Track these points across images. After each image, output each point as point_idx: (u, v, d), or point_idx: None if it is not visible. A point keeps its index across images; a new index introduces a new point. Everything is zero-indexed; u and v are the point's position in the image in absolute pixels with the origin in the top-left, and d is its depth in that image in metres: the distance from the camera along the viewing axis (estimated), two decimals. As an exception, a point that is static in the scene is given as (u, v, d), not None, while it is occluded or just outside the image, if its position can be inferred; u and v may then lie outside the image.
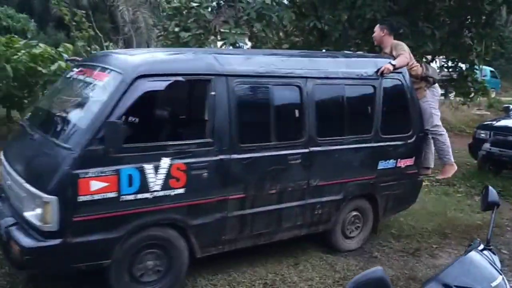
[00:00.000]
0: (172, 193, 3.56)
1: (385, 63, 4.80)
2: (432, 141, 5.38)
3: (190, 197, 3.65)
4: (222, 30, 10.60)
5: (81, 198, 3.20)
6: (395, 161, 4.93)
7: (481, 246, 2.19)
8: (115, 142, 3.23)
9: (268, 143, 4.07)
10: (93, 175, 3.22)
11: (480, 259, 2.07)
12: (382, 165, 4.84)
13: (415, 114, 5.09)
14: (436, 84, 5.33)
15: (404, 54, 5.03)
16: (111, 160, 3.28)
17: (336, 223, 4.71)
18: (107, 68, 3.65)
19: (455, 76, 10.01)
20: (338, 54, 5.35)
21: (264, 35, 10.51)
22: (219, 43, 10.42)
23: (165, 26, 10.73)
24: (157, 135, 3.86)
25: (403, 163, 5.01)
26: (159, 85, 3.52)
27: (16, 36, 8.65)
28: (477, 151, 8.58)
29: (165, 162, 3.50)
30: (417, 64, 5.20)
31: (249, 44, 11.71)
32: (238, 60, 4.05)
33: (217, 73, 3.78)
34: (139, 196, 3.42)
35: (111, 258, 3.40)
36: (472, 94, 9.98)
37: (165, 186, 3.51)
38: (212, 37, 10.16)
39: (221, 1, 10.84)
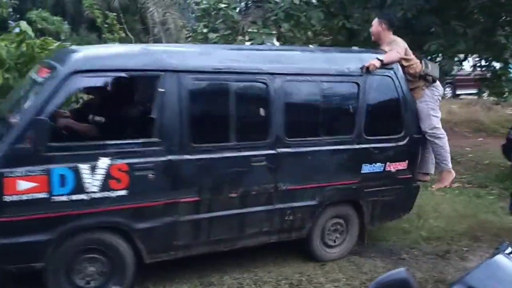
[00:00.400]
0: (113, 195, 3.36)
1: (372, 59, 4.40)
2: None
3: (133, 200, 3.44)
4: (250, 30, 10.64)
5: (7, 198, 3.07)
6: (383, 164, 4.51)
7: (509, 249, 2.13)
8: (43, 140, 3.08)
9: (226, 144, 3.80)
10: (20, 175, 3.08)
11: (507, 262, 2.03)
12: (367, 169, 4.43)
13: (409, 115, 4.63)
14: (437, 83, 4.82)
15: (397, 49, 4.60)
16: (41, 159, 3.12)
17: (313, 231, 4.35)
18: (51, 64, 3.52)
19: (488, 75, 9.42)
20: (318, 49, 4.99)
21: (292, 35, 10.39)
22: (247, 44, 10.35)
23: (194, 27, 10.80)
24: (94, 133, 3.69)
25: (393, 167, 4.58)
26: (97, 81, 3.35)
27: (50, 38, 8.75)
28: (510, 152, 8.01)
29: (103, 162, 3.31)
30: (417, 61, 4.73)
31: (277, 44, 11.67)
32: (194, 55, 3.81)
33: (167, 69, 3.55)
34: (74, 197, 3.24)
35: (43, 261, 3.25)
36: (506, 94, 9.28)
37: (104, 187, 3.33)
38: (240, 38, 10.16)
39: (249, 2, 10.80)
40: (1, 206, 3.07)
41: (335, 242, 4.54)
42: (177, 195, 3.61)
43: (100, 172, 3.31)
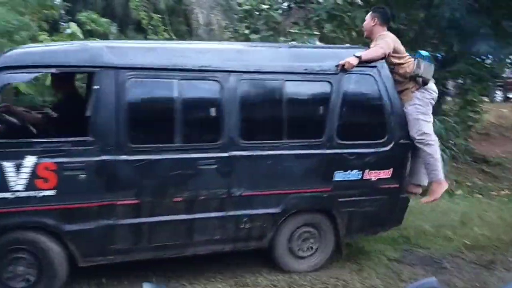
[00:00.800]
0: (39, 195, 3.25)
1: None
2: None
3: (62, 200, 3.31)
4: (291, 31, 10.49)
5: None
6: (360, 172, 4.07)
7: None
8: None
9: (170, 145, 3.57)
10: None
11: None
12: (340, 176, 4.02)
13: (394, 118, 4.15)
14: (431, 85, 4.27)
15: (381, 45, 4.13)
16: (-39, 156, 3.08)
17: (277, 240, 4.02)
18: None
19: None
20: (287, 45, 4.63)
21: (334, 36, 10.07)
22: (289, 44, 10.20)
23: (236, 28, 10.83)
24: (20, 131, 3.58)
25: (374, 175, 4.12)
26: (27, 77, 3.24)
27: (98, 39, 8.91)
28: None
29: (29, 160, 3.21)
30: (410, 60, 4.23)
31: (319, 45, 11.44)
32: (137, 52, 3.60)
33: (103, 65, 3.39)
34: (-3, 195, 3.18)
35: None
36: None
37: (30, 186, 3.22)
38: (282, 39, 10.04)
39: (291, 3, 10.62)
40: None
41: (305, 252, 4.17)
42: (113, 197, 3.44)
43: (26, 170, 3.21)
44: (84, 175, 3.35)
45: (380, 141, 4.12)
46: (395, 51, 4.19)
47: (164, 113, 3.60)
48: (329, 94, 3.96)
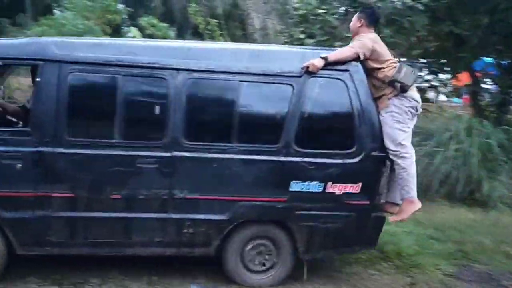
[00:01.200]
0: (-22, 181, 3.40)
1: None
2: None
3: (0, 188, 3.43)
4: (348, 35, 10.29)
5: None
6: (321, 184, 3.75)
7: None
8: None
9: (109, 141, 3.54)
10: None
11: None
12: (297, 186, 3.73)
13: (366, 128, 3.78)
14: (412, 93, 3.84)
15: (353, 45, 3.81)
16: None
17: (226, 250, 3.81)
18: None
19: None
20: (247, 45, 4.41)
21: (393, 41, 9.74)
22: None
23: (291, 33, 10.86)
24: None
25: (338, 189, 3.77)
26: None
27: None
28: None
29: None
30: (394, 65, 3.83)
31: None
32: (83, 46, 3.63)
33: (47, 59, 3.46)
34: None
35: None
36: None
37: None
38: (338, 43, 9.86)
39: (349, 7, 10.40)
40: None
41: (261, 266, 3.91)
42: (48, 189, 3.48)
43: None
44: (21, 165, 3.43)
45: (347, 151, 3.77)
46: (375, 53, 3.82)
47: (105, 108, 3.60)
48: (289, 98, 3.70)
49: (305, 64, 3.69)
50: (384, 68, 3.83)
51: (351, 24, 4.15)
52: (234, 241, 3.81)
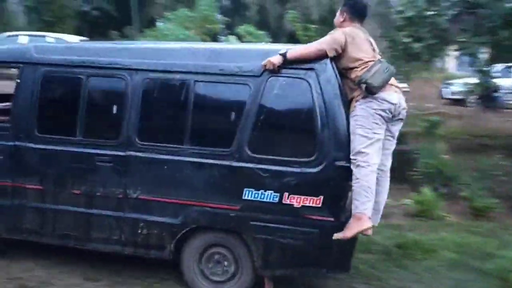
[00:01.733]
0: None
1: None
2: (379, 187, 3.45)
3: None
4: (459, 39, 9.57)
5: None
6: (277, 194, 3.42)
7: None
8: None
9: (71, 138, 3.75)
10: None
11: None
12: (251, 194, 3.46)
13: (329, 134, 3.35)
14: (385, 94, 3.31)
15: (320, 41, 3.43)
16: None
17: (183, 256, 3.70)
18: None
19: None
20: (209, 44, 4.17)
21: (510, 44, 8.76)
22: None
23: (394, 37, 10.39)
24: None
25: (296, 201, 3.40)
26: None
27: None
28: None
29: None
30: (369, 64, 3.34)
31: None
32: (56, 49, 3.92)
33: (26, 62, 3.84)
34: None
35: None
36: None
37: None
38: (448, 47, 9.18)
39: (461, 8, 9.56)
40: None
41: (219, 276, 3.71)
42: (23, 181, 3.83)
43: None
44: (2, 157, 3.83)
45: (306, 160, 3.38)
46: (349, 50, 3.38)
47: (69, 107, 3.83)
48: (245, 98, 3.48)
49: (264, 62, 3.42)
50: (357, 67, 3.37)
51: (335, 19, 3.74)
52: (190, 248, 3.68)
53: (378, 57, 3.47)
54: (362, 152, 3.22)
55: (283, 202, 3.41)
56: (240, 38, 9.46)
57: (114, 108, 3.70)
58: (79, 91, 3.74)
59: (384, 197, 3.54)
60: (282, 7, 16.10)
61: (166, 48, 4.02)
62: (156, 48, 4.02)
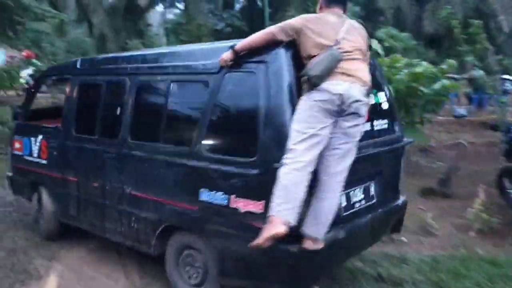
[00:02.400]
0: (41, 162, 4.82)
1: None
2: (321, 192, 2.96)
3: (50, 169, 4.72)
4: None
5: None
6: (226, 196, 3.20)
7: None
8: None
9: (92, 137, 4.28)
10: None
11: None
12: (205, 196, 3.32)
13: (271, 132, 3.00)
14: (328, 84, 2.82)
15: (271, 27, 3.11)
16: None
17: (165, 254, 3.74)
18: None
19: None
20: (191, 45, 4.05)
21: None
22: None
23: None
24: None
25: (241, 205, 3.11)
26: None
27: (399, 55, 8.31)
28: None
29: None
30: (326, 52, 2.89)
31: None
32: (92, 61, 4.54)
33: (72, 73, 4.64)
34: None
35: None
36: None
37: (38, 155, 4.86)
38: None
39: None
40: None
41: (193, 280, 3.62)
42: (67, 173, 4.52)
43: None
44: (56, 154, 4.62)
45: (249, 160, 3.07)
46: (306, 38, 2.98)
47: (91, 109, 4.34)
48: (204, 96, 3.39)
49: (220, 58, 3.28)
50: (314, 57, 2.92)
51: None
52: (170, 248, 3.71)
53: (350, 44, 2.95)
54: (291, 149, 2.78)
55: (231, 205, 3.15)
56: (381, 42, 8.65)
57: (118, 110, 4.04)
58: (96, 96, 4.26)
59: (327, 206, 2.94)
60: (421, 8, 14.14)
61: (155, 53, 4.23)
62: (148, 53, 4.27)
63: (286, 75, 2.99)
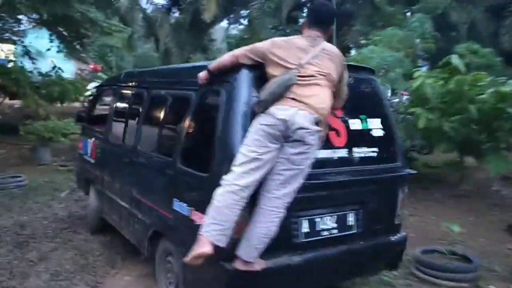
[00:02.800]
0: (91, 161, 5.41)
1: None
2: (257, 215, 2.90)
3: (95, 167, 5.30)
4: None
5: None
6: (189, 208, 3.30)
7: None
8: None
9: (120, 142, 4.68)
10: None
11: None
12: (177, 205, 3.43)
13: (223, 149, 3.04)
14: (275, 109, 2.81)
15: (234, 52, 3.20)
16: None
17: (156, 259, 3.89)
18: None
19: None
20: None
21: None
22: None
23: None
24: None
25: (197, 217, 3.15)
26: None
27: (483, 73, 7.45)
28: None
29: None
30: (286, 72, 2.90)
31: None
32: (133, 74, 4.99)
33: (116, 84, 5.14)
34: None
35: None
36: None
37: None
38: None
39: None
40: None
41: (170, 286, 3.74)
42: (103, 173, 5.02)
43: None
44: (100, 155, 5.19)
45: (205, 175, 3.15)
46: (272, 62, 2.98)
47: (119, 116, 4.82)
48: (185, 111, 3.56)
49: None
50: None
51: None
52: (158, 252, 3.87)
53: (314, 69, 2.90)
54: (231, 171, 2.82)
55: (191, 217, 3.24)
56: (461, 58, 7.70)
57: (135, 119, 4.37)
58: (124, 105, 4.77)
59: (261, 230, 2.84)
60: (499, 23, 11.92)
61: (164, 68, 4.63)
62: (159, 69, 4.77)
63: (244, 97, 3.01)
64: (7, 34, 13.16)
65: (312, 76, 2.86)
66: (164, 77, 4.23)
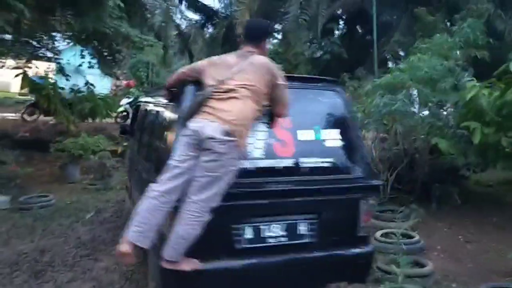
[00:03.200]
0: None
1: None
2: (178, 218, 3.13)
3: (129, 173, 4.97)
4: None
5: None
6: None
7: None
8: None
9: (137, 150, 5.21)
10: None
11: None
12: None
13: (163, 158, 3.38)
14: (189, 122, 3.16)
15: (182, 69, 3.66)
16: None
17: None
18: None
19: None
20: None
21: None
22: None
23: None
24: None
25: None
26: None
27: None
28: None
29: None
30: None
31: None
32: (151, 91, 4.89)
33: (142, 101, 5.09)
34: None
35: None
36: None
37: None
38: None
39: None
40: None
41: None
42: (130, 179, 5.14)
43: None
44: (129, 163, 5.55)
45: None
46: (205, 76, 3.31)
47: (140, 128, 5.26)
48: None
49: None
50: None
51: None
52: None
53: (235, 83, 3.16)
54: (158, 178, 3.13)
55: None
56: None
57: (145, 131, 4.86)
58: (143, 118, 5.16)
59: (179, 232, 2.99)
60: None
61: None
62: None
63: (184, 109, 3.28)
64: (41, 51, 13.12)
65: (231, 90, 3.10)
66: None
